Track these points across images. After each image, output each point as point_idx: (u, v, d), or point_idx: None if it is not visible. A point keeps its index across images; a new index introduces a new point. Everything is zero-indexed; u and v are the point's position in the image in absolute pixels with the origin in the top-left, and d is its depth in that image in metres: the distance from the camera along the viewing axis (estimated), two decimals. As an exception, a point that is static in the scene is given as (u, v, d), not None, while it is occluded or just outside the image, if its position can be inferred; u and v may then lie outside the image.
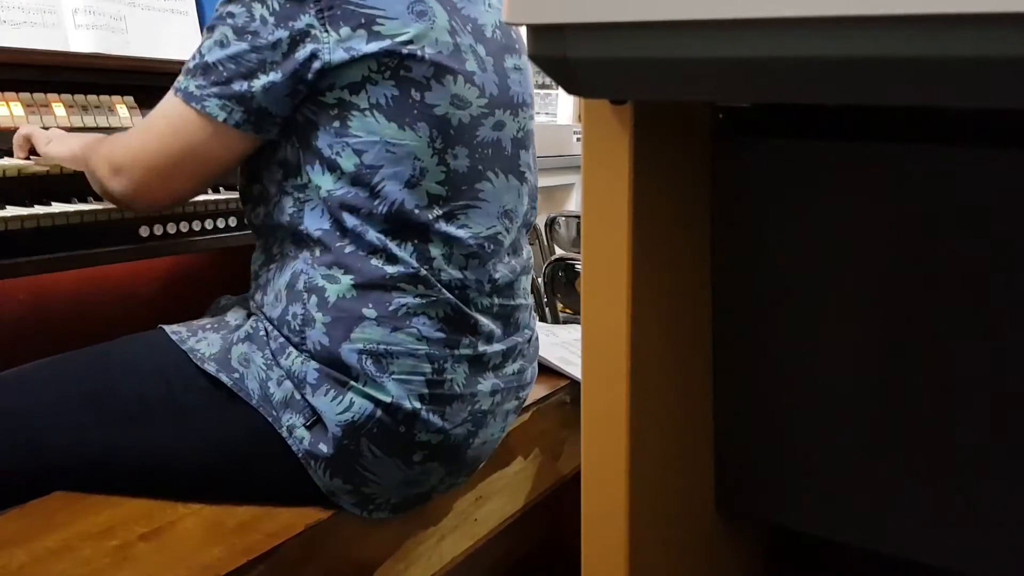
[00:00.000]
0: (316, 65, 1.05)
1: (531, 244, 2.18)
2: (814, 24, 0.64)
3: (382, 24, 1.06)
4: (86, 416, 1.11)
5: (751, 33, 0.67)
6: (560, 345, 1.68)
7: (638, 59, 0.72)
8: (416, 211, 1.09)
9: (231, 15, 1.07)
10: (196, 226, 1.48)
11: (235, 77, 1.07)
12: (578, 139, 2.94)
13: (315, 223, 1.10)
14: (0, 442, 1.09)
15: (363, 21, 1.06)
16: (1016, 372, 0.86)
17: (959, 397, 0.90)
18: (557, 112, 3.70)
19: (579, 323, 1.11)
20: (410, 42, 1.07)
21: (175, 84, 1.11)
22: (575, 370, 1.56)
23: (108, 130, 1.51)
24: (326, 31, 1.05)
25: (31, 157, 1.37)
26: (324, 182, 1.09)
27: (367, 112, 1.07)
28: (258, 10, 1.06)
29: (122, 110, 1.56)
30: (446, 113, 1.10)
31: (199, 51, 1.10)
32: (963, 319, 0.88)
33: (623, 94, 0.81)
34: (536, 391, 1.48)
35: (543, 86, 3.64)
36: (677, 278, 0.96)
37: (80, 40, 1.55)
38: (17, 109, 1.43)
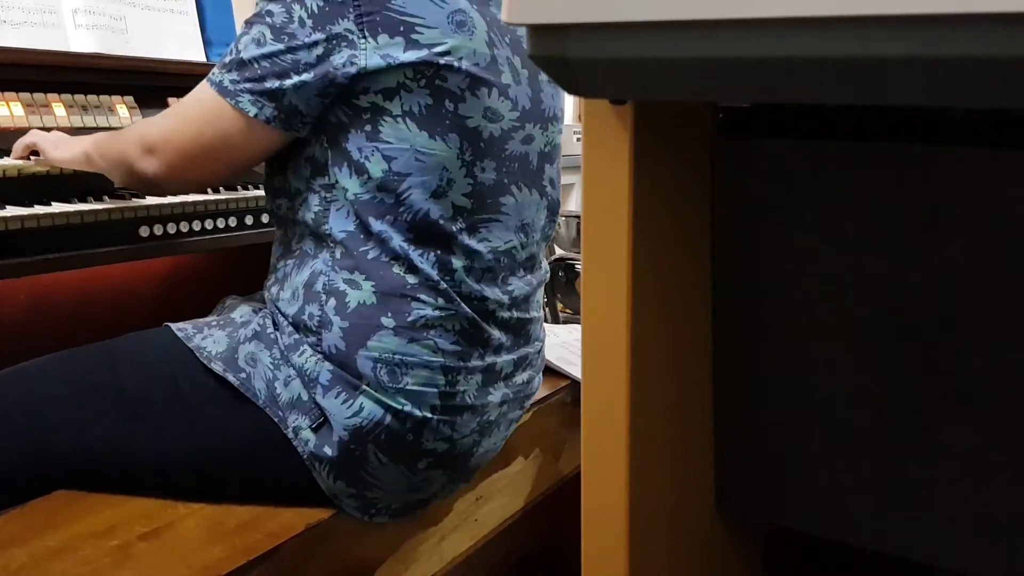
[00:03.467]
0: (352, 70, 1.05)
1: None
2: (814, 24, 0.64)
3: (421, 33, 1.06)
4: (90, 412, 1.10)
5: (751, 33, 0.67)
6: (560, 345, 1.68)
7: (638, 59, 0.72)
8: (441, 222, 1.09)
9: (270, 13, 1.08)
10: (196, 226, 1.48)
11: (268, 75, 1.07)
12: (578, 139, 2.94)
13: (340, 224, 1.10)
14: (2, 439, 1.09)
15: (402, 29, 1.05)
16: (1016, 372, 0.86)
17: (959, 397, 0.90)
18: (557, 112, 3.70)
19: (579, 323, 1.11)
20: (447, 53, 1.07)
21: (210, 75, 1.12)
22: (575, 370, 1.56)
23: (108, 130, 1.51)
24: (364, 37, 1.05)
25: (31, 157, 1.37)
26: (351, 185, 1.09)
27: (399, 119, 1.07)
28: (297, 11, 1.06)
29: (122, 110, 1.56)
30: (478, 126, 1.10)
31: (236, 47, 1.10)
32: (963, 319, 0.88)
33: (623, 94, 0.81)
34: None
35: (543, 86, 3.64)
36: (677, 278, 0.96)
37: (80, 40, 1.55)
38: (17, 109, 1.43)
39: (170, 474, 1.09)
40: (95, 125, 1.51)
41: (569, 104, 3.65)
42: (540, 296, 1.28)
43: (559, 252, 2.11)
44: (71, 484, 1.09)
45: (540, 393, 1.49)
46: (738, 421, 1.03)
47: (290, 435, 1.07)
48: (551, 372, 1.58)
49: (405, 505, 1.15)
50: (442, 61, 1.06)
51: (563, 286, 1.89)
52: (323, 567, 1.09)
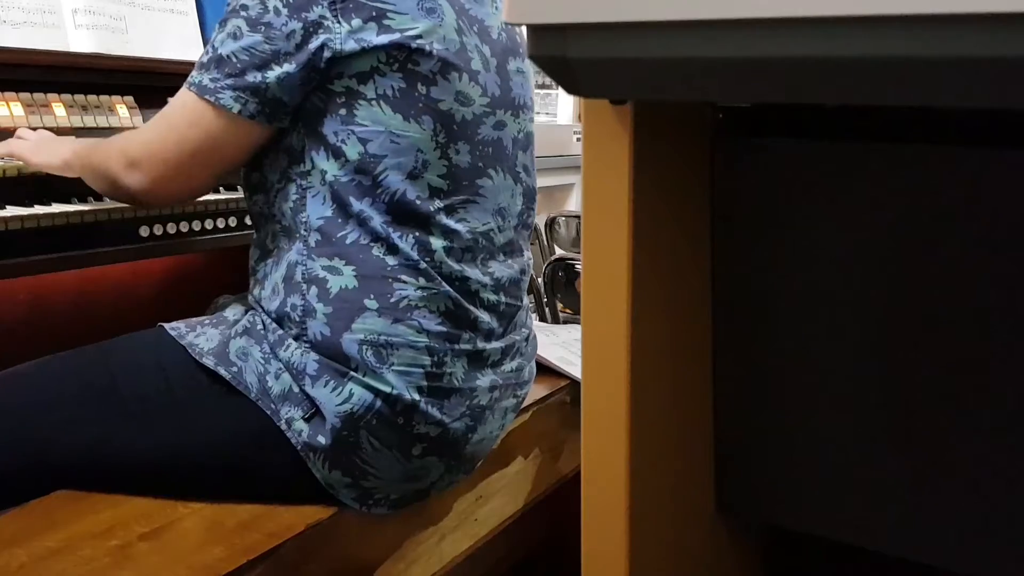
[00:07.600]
0: (327, 54, 1.07)
1: (531, 244, 2.19)
2: (814, 24, 0.64)
3: (392, 19, 1.08)
4: (85, 413, 1.11)
5: (751, 33, 0.67)
6: (560, 345, 1.68)
7: (638, 59, 0.72)
8: (418, 202, 1.11)
9: (244, 7, 1.09)
10: (196, 226, 1.48)
11: (249, 68, 1.08)
12: (578, 139, 2.94)
13: (317, 211, 1.11)
14: (0, 440, 1.09)
15: (374, 14, 1.08)
16: (1016, 372, 0.86)
17: (959, 397, 0.90)
18: (557, 112, 3.69)
19: (579, 323, 1.11)
20: (419, 36, 1.09)
21: (188, 79, 1.12)
22: (575, 370, 1.56)
23: (108, 130, 1.51)
24: (338, 22, 1.07)
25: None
26: (329, 167, 1.10)
27: (373, 102, 1.09)
28: (272, 2, 1.08)
29: (122, 110, 1.56)
30: (450, 108, 1.12)
31: (212, 45, 1.11)
32: (963, 319, 0.88)
33: (623, 94, 0.81)
34: (536, 391, 1.48)
35: (543, 86, 3.64)
36: (677, 278, 0.96)
37: (80, 40, 1.55)
38: (17, 109, 1.43)
39: (167, 471, 1.10)
40: (95, 125, 1.51)
41: (569, 104, 3.65)
42: (525, 285, 1.30)
43: (559, 252, 2.11)
44: (69, 484, 1.09)
45: (540, 393, 1.49)
46: (738, 421, 1.03)
47: (283, 427, 1.08)
48: (551, 372, 1.58)
49: (404, 495, 1.15)
50: (414, 45, 1.09)
51: (563, 286, 1.89)
52: (323, 567, 1.09)
